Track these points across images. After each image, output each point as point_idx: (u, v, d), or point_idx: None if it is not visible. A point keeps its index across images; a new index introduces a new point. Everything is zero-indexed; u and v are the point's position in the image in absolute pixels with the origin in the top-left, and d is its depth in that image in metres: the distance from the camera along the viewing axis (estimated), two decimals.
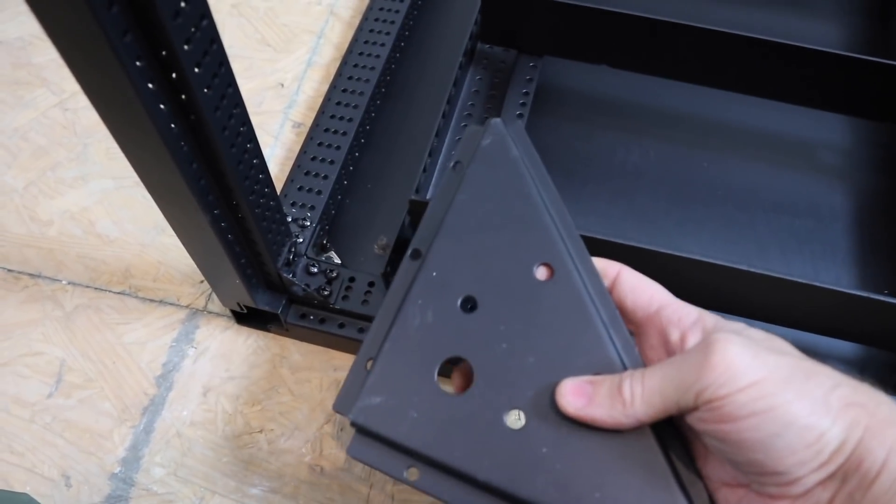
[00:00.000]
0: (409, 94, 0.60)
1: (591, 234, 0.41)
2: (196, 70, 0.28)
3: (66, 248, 0.53)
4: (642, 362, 0.27)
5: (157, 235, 0.54)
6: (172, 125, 0.29)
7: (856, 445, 0.22)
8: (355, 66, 0.58)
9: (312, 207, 0.50)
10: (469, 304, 0.29)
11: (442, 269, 0.29)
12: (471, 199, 0.30)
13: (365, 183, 0.55)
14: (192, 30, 0.27)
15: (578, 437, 0.26)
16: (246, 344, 0.49)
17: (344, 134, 0.54)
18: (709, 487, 0.26)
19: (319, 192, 0.51)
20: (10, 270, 0.52)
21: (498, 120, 0.32)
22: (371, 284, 0.47)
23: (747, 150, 0.57)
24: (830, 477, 0.23)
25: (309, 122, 0.58)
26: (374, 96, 0.57)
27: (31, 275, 0.52)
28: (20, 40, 0.64)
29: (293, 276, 0.44)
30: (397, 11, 0.61)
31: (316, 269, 0.47)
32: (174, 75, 0.28)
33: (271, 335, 0.49)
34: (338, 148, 0.53)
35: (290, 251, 0.44)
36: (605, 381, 0.26)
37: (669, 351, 0.27)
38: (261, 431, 0.46)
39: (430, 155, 0.51)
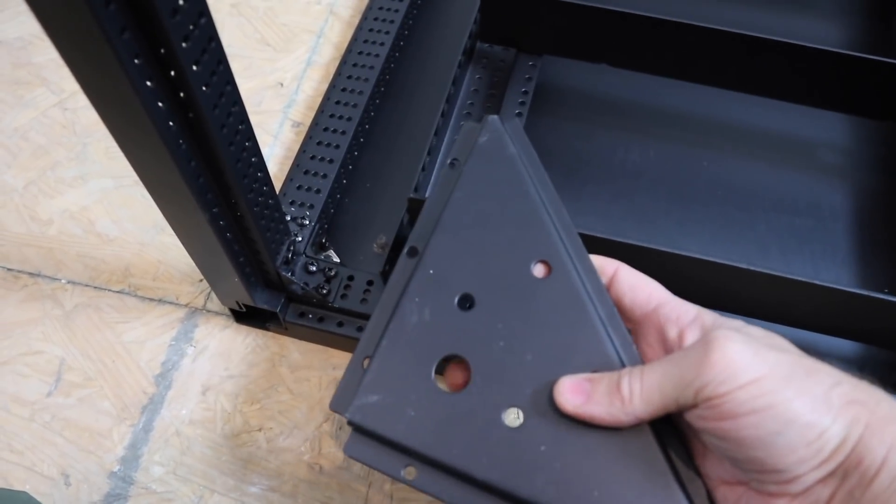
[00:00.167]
0: (408, 94, 0.60)
1: (590, 233, 0.41)
2: (194, 68, 0.28)
3: (66, 247, 0.53)
4: (641, 360, 0.27)
5: (157, 234, 0.54)
6: (171, 123, 0.29)
7: (856, 443, 0.22)
8: (355, 65, 0.58)
9: (311, 206, 0.50)
10: (466, 302, 0.29)
11: (439, 267, 0.29)
12: (468, 196, 0.30)
13: (364, 182, 0.55)
14: (191, 27, 0.27)
15: (577, 434, 0.26)
16: (245, 343, 0.49)
17: (343, 133, 0.54)
18: (707, 485, 0.26)
19: (318, 191, 0.51)
20: (9, 269, 0.52)
21: (495, 117, 0.32)
22: (370, 283, 0.47)
23: (748, 150, 0.57)
24: (830, 475, 0.23)
25: (308, 121, 0.58)
26: (373, 95, 0.57)
27: (30, 274, 0.52)
28: (20, 40, 0.64)
29: (292, 275, 0.44)
30: (397, 11, 0.61)
31: (315, 268, 0.47)
32: (173, 73, 0.28)
33: (270, 334, 0.49)
34: (337, 147, 0.53)
35: (288, 250, 0.44)
36: (604, 379, 0.26)
37: (667, 349, 0.27)
38: (260, 430, 0.46)
39: (429, 154, 0.51)
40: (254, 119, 0.34)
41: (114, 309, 0.50)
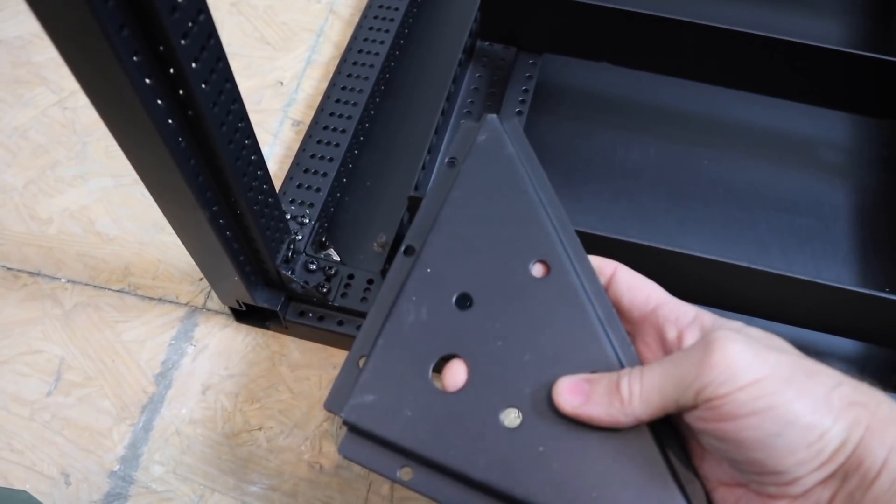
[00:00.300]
0: (408, 92, 0.60)
1: (591, 231, 0.41)
2: (193, 65, 0.28)
3: (66, 246, 0.53)
4: (639, 360, 0.27)
5: (157, 233, 0.54)
6: (170, 120, 0.29)
7: (856, 445, 0.22)
8: (355, 63, 0.58)
9: (311, 205, 0.50)
10: (464, 301, 0.28)
11: (437, 266, 0.29)
12: (466, 195, 0.30)
13: (364, 180, 0.55)
14: (190, 24, 0.27)
15: (575, 435, 0.26)
16: (245, 342, 0.49)
17: (343, 132, 0.54)
18: (706, 487, 0.26)
19: (318, 190, 0.51)
20: (9, 269, 0.52)
21: (493, 116, 0.31)
22: (370, 282, 0.47)
23: (748, 148, 0.57)
24: (831, 476, 0.23)
25: (308, 120, 0.58)
26: (373, 94, 0.57)
27: (30, 273, 0.52)
28: (20, 39, 0.64)
29: (292, 274, 0.44)
30: (397, 9, 0.61)
31: (315, 267, 0.47)
32: (172, 70, 0.28)
33: (270, 333, 0.49)
34: (337, 146, 0.53)
35: (288, 248, 0.44)
36: (603, 379, 0.25)
37: (666, 349, 0.27)
38: (260, 429, 0.46)
39: (429, 152, 0.51)
40: (254, 118, 0.34)
41: (114, 308, 0.50)
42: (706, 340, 0.24)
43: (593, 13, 0.53)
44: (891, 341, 0.45)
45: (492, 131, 0.31)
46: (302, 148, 0.53)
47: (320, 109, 0.55)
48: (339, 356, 0.48)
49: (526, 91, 0.57)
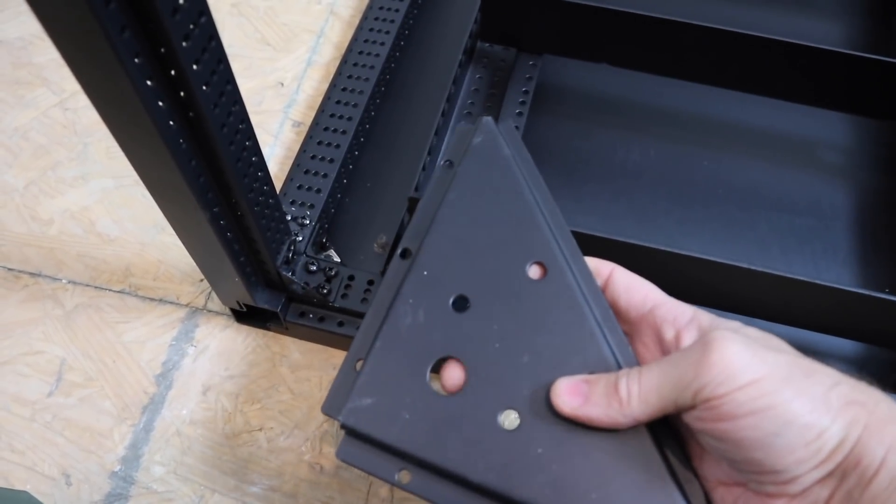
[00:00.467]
0: (408, 93, 0.60)
1: (590, 232, 0.41)
2: (195, 67, 0.28)
3: (67, 247, 0.53)
4: (637, 361, 0.27)
5: (157, 234, 0.54)
6: (171, 122, 0.29)
7: (855, 443, 0.22)
8: (355, 65, 0.58)
9: (312, 206, 0.50)
10: (461, 304, 0.28)
11: (433, 268, 0.29)
12: (462, 197, 0.30)
13: (364, 181, 0.55)
14: (191, 26, 0.27)
15: (574, 436, 0.26)
16: (245, 342, 0.49)
17: (344, 133, 0.54)
18: (705, 487, 0.26)
19: (319, 191, 0.51)
20: (10, 269, 0.52)
21: (489, 118, 0.32)
22: (370, 283, 0.47)
23: (748, 149, 0.57)
24: (829, 475, 0.23)
25: (309, 121, 0.58)
26: (373, 95, 0.57)
27: (31, 274, 0.52)
28: (21, 40, 0.64)
29: (292, 275, 0.44)
30: (397, 10, 0.61)
31: (315, 268, 0.47)
32: (173, 72, 0.28)
33: (271, 334, 0.49)
34: (337, 147, 0.53)
35: (289, 249, 0.44)
36: (601, 380, 0.26)
37: (664, 350, 0.27)
38: (260, 430, 0.46)
39: (429, 153, 0.51)
40: (254, 119, 0.34)
41: (114, 309, 0.50)
42: (704, 340, 0.24)
43: (593, 14, 0.53)
44: (890, 342, 0.45)
45: (487, 133, 0.31)
46: (302, 149, 0.53)
47: (321, 110, 0.56)
48: (339, 357, 0.48)
49: (526, 92, 0.57)
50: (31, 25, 0.65)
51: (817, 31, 0.65)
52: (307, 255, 0.47)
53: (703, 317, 0.26)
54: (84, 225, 0.54)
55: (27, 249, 0.53)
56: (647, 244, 0.42)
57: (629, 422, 0.25)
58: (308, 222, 0.49)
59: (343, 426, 0.27)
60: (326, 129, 0.54)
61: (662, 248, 0.42)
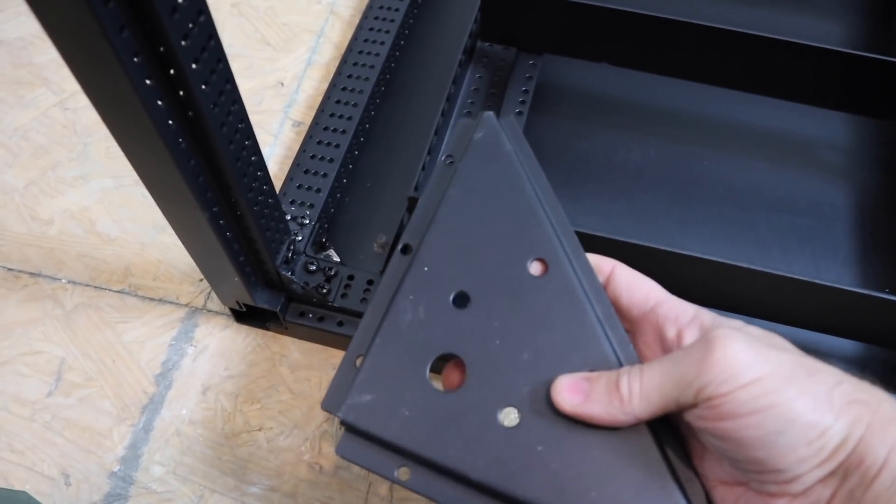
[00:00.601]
0: (408, 93, 0.60)
1: (590, 232, 0.41)
2: (194, 66, 0.28)
3: (67, 246, 0.53)
4: (638, 359, 0.27)
5: (157, 234, 0.54)
6: (170, 121, 0.29)
7: (857, 443, 0.22)
8: (355, 64, 0.58)
9: (312, 205, 0.50)
10: (462, 300, 0.28)
11: (434, 264, 0.29)
12: (463, 193, 0.30)
13: (364, 181, 0.55)
14: (190, 25, 0.27)
15: (574, 434, 0.25)
16: (245, 342, 0.49)
17: (343, 132, 0.54)
18: (706, 486, 0.26)
19: (319, 191, 0.51)
20: (10, 269, 0.52)
21: (490, 113, 0.31)
22: (370, 282, 0.47)
23: (748, 149, 0.57)
24: (831, 474, 0.22)
25: (308, 120, 0.58)
26: (373, 95, 0.57)
27: (31, 273, 0.52)
28: (21, 40, 0.64)
29: (292, 274, 0.44)
30: (397, 10, 0.61)
31: (315, 267, 0.47)
32: (172, 71, 0.28)
33: (270, 333, 0.49)
34: (337, 146, 0.53)
35: (288, 249, 0.44)
36: (602, 378, 0.25)
37: (666, 348, 0.27)
38: (260, 430, 0.46)
39: (429, 153, 0.51)
40: (254, 118, 0.34)
41: (114, 309, 0.50)
42: (706, 339, 0.24)
43: (593, 14, 0.53)
44: (891, 342, 0.45)
45: (489, 129, 0.31)
46: (302, 149, 0.53)
47: (320, 110, 0.55)
48: (339, 357, 0.48)
49: (526, 91, 0.57)
50: (31, 25, 0.65)
51: (817, 31, 0.65)
52: (307, 255, 0.47)
53: (706, 315, 0.26)
54: (84, 225, 0.54)
55: (27, 249, 0.53)
56: (647, 244, 0.41)
57: (630, 420, 0.25)
58: (308, 222, 0.49)
59: (342, 422, 0.27)
60: (326, 128, 0.54)
61: (662, 247, 0.41)
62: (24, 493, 0.38)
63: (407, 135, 0.58)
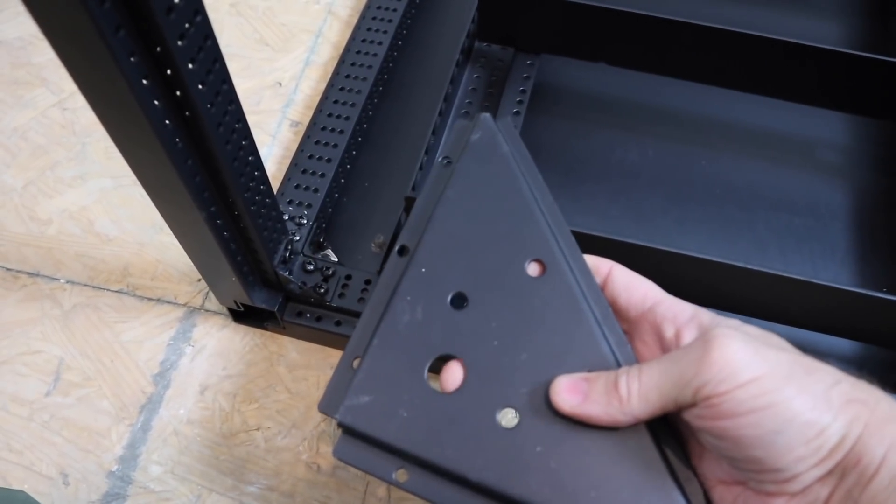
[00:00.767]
0: (406, 93, 0.60)
1: (588, 232, 0.41)
2: (190, 66, 0.28)
3: (65, 246, 0.53)
4: (636, 359, 0.27)
5: (156, 234, 0.54)
6: (167, 121, 0.29)
7: (855, 442, 0.22)
8: (353, 64, 0.58)
9: (309, 205, 0.50)
10: (459, 301, 0.28)
11: (431, 265, 0.29)
12: (460, 194, 0.30)
13: (362, 181, 0.55)
14: (186, 25, 0.27)
15: (573, 435, 0.25)
16: (243, 342, 0.49)
17: (341, 132, 0.54)
18: (704, 485, 0.26)
19: (316, 191, 0.51)
20: (8, 269, 0.52)
21: (487, 115, 0.31)
22: (367, 282, 0.47)
23: (746, 148, 0.57)
24: (829, 473, 0.22)
25: (306, 120, 0.58)
26: (371, 95, 0.57)
27: (29, 273, 0.52)
28: (19, 40, 0.64)
29: (290, 274, 0.44)
30: (395, 10, 0.61)
31: (312, 267, 0.47)
32: (168, 71, 0.28)
33: (268, 333, 0.49)
34: (335, 146, 0.53)
35: (286, 249, 0.44)
36: (601, 378, 0.25)
37: (664, 348, 0.26)
38: (258, 429, 0.45)
39: (426, 153, 0.51)
40: (252, 119, 0.34)
41: (112, 308, 0.50)
42: (705, 338, 0.24)
43: (591, 14, 0.53)
44: (889, 341, 0.45)
45: (486, 130, 0.31)
46: (300, 149, 0.53)
47: (318, 110, 0.55)
48: (336, 356, 0.48)
49: (523, 91, 0.57)
50: (29, 26, 0.65)
51: (816, 31, 0.65)
52: (304, 255, 0.47)
53: (704, 315, 0.26)
54: (82, 225, 0.54)
55: (25, 249, 0.53)
56: (644, 244, 0.41)
57: (629, 420, 0.25)
58: (305, 222, 0.49)
59: (340, 424, 0.27)
60: (324, 128, 0.54)
61: (660, 247, 0.41)
62: (22, 492, 0.38)
63: (404, 135, 0.58)
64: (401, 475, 0.26)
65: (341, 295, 0.46)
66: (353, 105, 0.55)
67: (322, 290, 0.46)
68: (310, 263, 0.47)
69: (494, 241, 0.29)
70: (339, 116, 0.55)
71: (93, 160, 0.57)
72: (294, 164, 0.52)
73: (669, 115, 0.59)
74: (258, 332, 0.49)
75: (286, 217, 0.49)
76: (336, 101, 0.56)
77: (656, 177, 0.55)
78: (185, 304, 0.51)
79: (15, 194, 0.56)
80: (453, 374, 0.28)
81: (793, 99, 0.56)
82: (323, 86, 0.60)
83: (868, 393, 0.23)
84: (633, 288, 0.28)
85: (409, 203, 0.46)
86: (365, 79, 0.57)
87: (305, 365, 0.48)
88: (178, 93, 0.29)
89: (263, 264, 0.43)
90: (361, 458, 0.27)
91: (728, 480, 0.25)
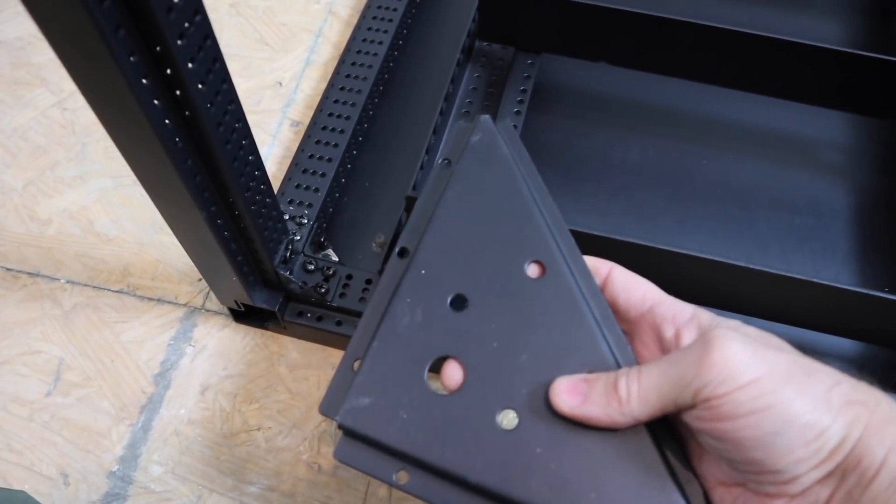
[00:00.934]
0: (406, 92, 0.60)
1: (589, 231, 0.41)
2: (190, 65, 0.28)
3: (65, 246, 0.53)
4: (636, 360, 0.27)
5: (156, 234, 0.54)
6: (167, 120, 0.29)
7: (855, 443, 0.22)
8: (353, 64, 0.58)
9: (310, 205, 0.50)
10: (459, 303, 0.28)
11: (431, 267, 0.29)
12: (460, 196, 0.30)
13: (363, 181, 0.55)
14: (186, 25, 0.27)
15: (573, 436, 0.25)
16: (244, 342, 0.49)
17: (342, 132, 0.54)
18: (704, 486, 0.26)
19: (317, 190, 0.51)
20: (8, 269, 0.52)
21: (487, 117, 0.31)
22: (368, 282, 0.47)
23: (747, 148, 0.57)
24: (829, 475, 0.22)
25: (307, 120, 0.58)
26: (371, 94, 0.57)
27: (29, 273, 0.52)
28: (19, 40, 0.64)
29: (290, 274, 0.44)
30: (395, 10, 0.61)
31: (313, 267, 0.47)
32: (168, 71, 0.28)
33: (269, 333, 0.49)
34: (335, 146, 0.53)
35: (287, 249, 0.44)
36: (601, 379, 0.25)
37: (664, 349, 0.26)
38: (258, 429, 0.45)
39: (427, 152, 0.51)
40: (252, 118, 0.34)
41: (113, 308, 0.50)
42: (704, 339, 0.24)
43: (592, 13, 0.53)
44: (889, 341, 0.45)
45: (485, 132, 0.31)
46: (300, 148, 0.53)
47: (319, 110, 0.55)
48: (337, 356, 0.48)
49: (524, 91, 0.57)
50: (29, 25, 0.65)
51: (816, 30, 0.64)
52: (305, 255, 0.47)
53: (703, 315, 0.26)
54: (82, 225, 0.54)
55: (25, 249, 0.53)
56: (645, 243, 0.41)
57: (628, 421, 0.25)
58: (306, 221, 0.49)
59: (340, 426, 0.27)
60: (325, 128, 0.54)
61: (661, 247, 0.41)
62: (22, 492, 0.38)
63: (405, 134, 0.58)
64: (401, 477, 0.26)
65: (342, 295, 0.46)
66: (353, 105, 0.55)
67: (323, 290, 0.46)
68: (310, 263, 0.47)
69: (494, 243, 0.29)
70: (339, 116, 0.55)
71: (93, 160, 0.57)
72: (295, 163, 0.52)
73: (670, 114, 0.59)
74: (259, 331, 0.49)
75: (287, 217, 0.49)
76: (337, 101, 0.56)
77: (657, 176, 0.55)
78: (185, 304, 0.51)
79: (15, 194, 0.56)
80: (453, 376, 0.28)
81: (794, 98, 0.55)
82: (323, 85, 0.60)
83: (868, 394, 0.23)
84: (632, 289, 0.28)
85: (410, 203, 0.46)
86: (365, 78, 0.57)
87: (306, 365, 0.48)
88: (178, 92, 0.29)
89: (264, 264, 0.43)
90: (362, 460, 0.27)
91: (728, 482, 0.25)
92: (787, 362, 0.23)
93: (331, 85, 0.57)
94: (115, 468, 0.44)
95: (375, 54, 0.58)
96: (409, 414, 0.27)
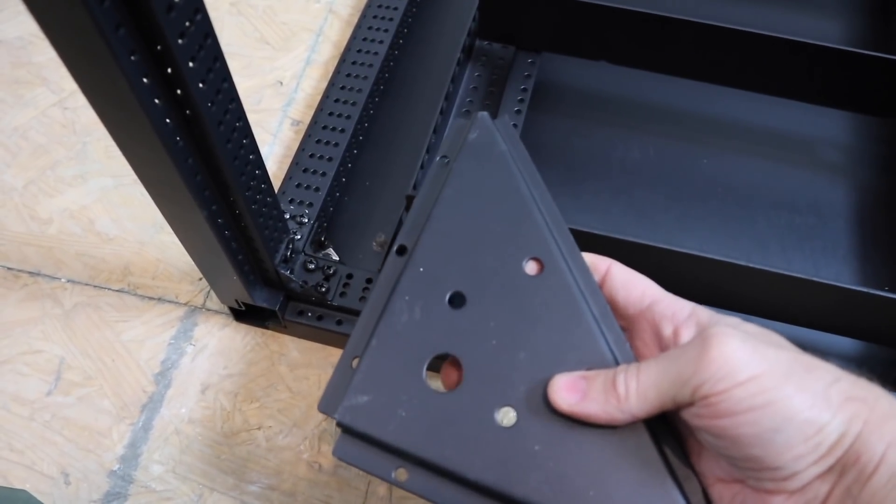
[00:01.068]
0: (407, 92, 0.60)
1: (589, 230, 0.41)
2: (190, 64, 0.28)
3: (66, 246, 0.53)
4: (634, 358, 0.27)
5: (156, 233, 0.54)
6: (167, 119, 0.29)
7: (854, 439, 0.22)
8: (354, 63, 0.58)
9: (310, 204, 0.50)
10: (458, 300, 0.28)
11: (429, 265, 0.29)
12: (458, 193, 0.30)
13: (363, 180, 0.55)
14: (186, 24, 0.27)
15: (571, 433, 0.25)
16: (244, 341, 0.49)
17: (342, 131, 0.54)
18: (703, 483, 0.26)
19: (317, 189, 0.51)
20: (9, 269, 0.52)
21: (485, 114, 0.31)
22: (369, 281, 0.47)
23: (747, 147, 0.57)
24: (828, 471, 0.22)
25: (307, 119, 0.58)
26: (372, 94, 0.57)
27: (30, 273, 0.52)
28: (20, 39, 0.64)
29: (291, 273, 0.44)
30: (395, 9, 0.61)
31: (314, 266, 0.47)
32: (169, 70, 0.28)
33: (269, 332, 0.49)
34: (336, 145, 0.53)
35: (287, 248, 0.44)
36: (599, 376, 0.25)
37: (662, 346, 0.26)
38: (259, 428, 0.46)
39: (427, 151, 0.51)
40: (253, 118, 0.34)
41: (113, 308, 0.50)
42: (703, 336, 0.24)
43: (592, 12, 0.53)
44: (890, 340, 0.45)
45: (483, 129, 0.31)
46: (301, 147, 0.53)
47: (319, 109, 0.55)
48: (337, 355, 0.48)
49: (525, 90, 0.57)
50: (30, 25, 0.65)
51: (817, 29, 0.65)
52: (306, 254, 0.47)
53: (702, 313, 0.26)
54: (83, 224, 0.54)
55: (26, 249, 0.53)
56: (646, 242, 0.41)
57: (627, 418, 0.25)
58: (306, 221, 0.49)
59: (339, 424, 0.27)
60: (325, 127, 0.54)
61: (661, 245, 0.41)
62: (23, 491, 0.38)
63: (406, 133, 0.58)
64: (400, 474, 0.26)
65: (342, 294, 0.46)
66: (354, 104, 0.55)
67: (323, 289, 0.46)
68: (311, 262, 0.47)
69: (492, 240, 0.29)
70: (340, 115, 0.55)
71: (93, 159, 0.57)
72: (295, 162, 0.53)
73: (670, 113, 0.59)
74: (259, 331, 0.49)
75: (287, 216, 0.49)
76: (337, 100, 0.56)
77: (657, 175, 0.55)
78: (186, 304, 0.51)
79: (15, 194, 0.56)
80: (452, 374, 0.28)
81: (794, 97, 0.55)
82: (324, 85, 0.60)
83: (867, 390, 0.23)
84: (631, 286, 0.28)
85: (410, 202, 0.46)
86: (366, 77, 0.57)
87: (307, 364, 0.48)
88: (178, 91, 0.29)
89: (264, 263, 0.43)
90: (361, 458, 0.27)
91: (727, 478, 0.25)
92: (787, 359, 0.23)
93: (331, 84, 0.57)
94: (115, 467, 0.44)
95: (376, 53, 0.58)
96: (408, 411, 0.27)
